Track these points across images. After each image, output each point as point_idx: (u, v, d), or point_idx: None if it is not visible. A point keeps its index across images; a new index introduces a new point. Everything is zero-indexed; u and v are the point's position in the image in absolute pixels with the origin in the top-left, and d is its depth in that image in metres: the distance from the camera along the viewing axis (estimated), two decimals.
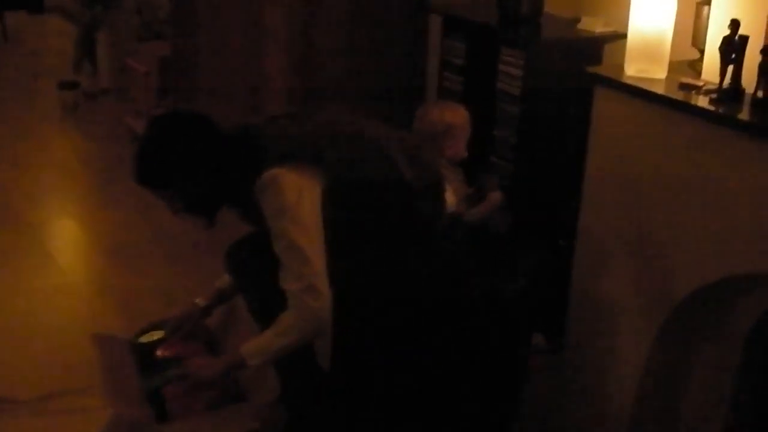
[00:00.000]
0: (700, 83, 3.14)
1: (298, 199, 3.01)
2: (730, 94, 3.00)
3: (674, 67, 3.33)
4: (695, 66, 3.34)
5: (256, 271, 3.31)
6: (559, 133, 4.00)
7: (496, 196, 3.84)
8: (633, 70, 3.27)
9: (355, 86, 5.16)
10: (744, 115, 2.91)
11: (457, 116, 3.74)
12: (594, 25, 4.05)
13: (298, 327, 3.01)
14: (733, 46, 2.96)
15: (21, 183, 6.22)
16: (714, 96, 3.03)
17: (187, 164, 3.10)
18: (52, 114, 7.79)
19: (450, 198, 3.48)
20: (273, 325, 3.03)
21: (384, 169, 3.19)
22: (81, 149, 7.06)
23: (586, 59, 3.86)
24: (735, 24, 2.95)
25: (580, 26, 4.10)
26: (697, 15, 3.40)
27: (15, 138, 7.17)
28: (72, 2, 8.98)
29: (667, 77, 3.25)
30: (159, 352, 3.48)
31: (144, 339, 3.60)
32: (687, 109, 3.02)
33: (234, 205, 3.26)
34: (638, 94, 3.17)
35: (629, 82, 3.23)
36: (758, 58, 2.89)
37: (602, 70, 3.42)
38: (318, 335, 3.08)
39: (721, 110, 2.94)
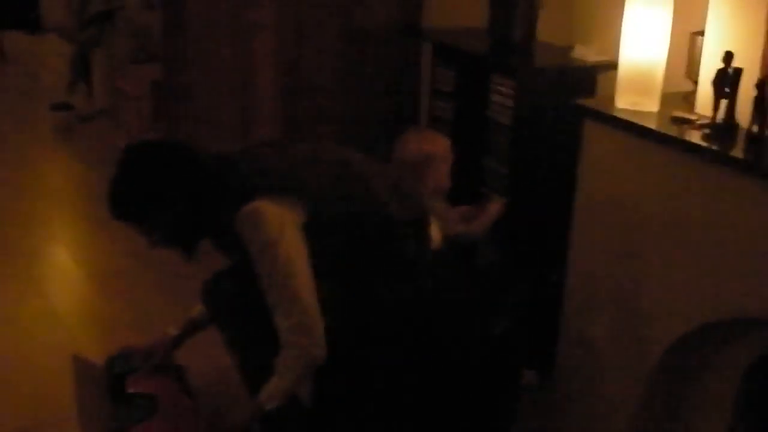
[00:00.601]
0: (694, 117, 3.04)
1: (280, 231, 2.94)
2: (723, 130, 2.90)
3: (668, 99, 3.23)
4: (689, 98, 3.23)
5: (234, 308, 3.23)
6: (552, 164, 3.90)
7: (495, 207, 3.76)
8: (624, 102, 3.18)
9: (345, 113, 5.09)
10: (738, 151, 2.81)
11: (436, 145, 3.66)
12: (587, 53, 3.95)
13: (293, 366, 2.97)
14: (726, 79, 2.86)
15: (10, 206, 6.13)
16: (707, 131, 2.92)
17: (160, 197, 3.03)
18: (45, 136, 7.72)
19: (435, 233, 3.39)
20: (277, 369, 2.97)
21: (367, 203, 3.12)
22: (73, 173, 6.98)
23: (579, 88, 3.78)
24: (728, 56, 2.85)
25: (573, 55, 4.00)
26: (691, 45, 3.30)
27: (6, 160, 7.08)
28: (69, 22, 8.91)
29: (659, 110, 3.16)
30: (130, 387, 3.39)
31: (115, 368, 3.51)
32: (678, 144, 2.92)
33: (212, 237, 3.18)
34: (628, 128, 3.08)
35: (620, 115, 3.13)
36: (753, 91, 2.79)
37: (592, 102, 3.33)
38: (314, 369, 2.99)
39: (714, 146, 2.84)
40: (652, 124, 3.04)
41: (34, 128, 7.90)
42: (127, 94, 6.93)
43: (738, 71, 2.85)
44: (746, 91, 2.84)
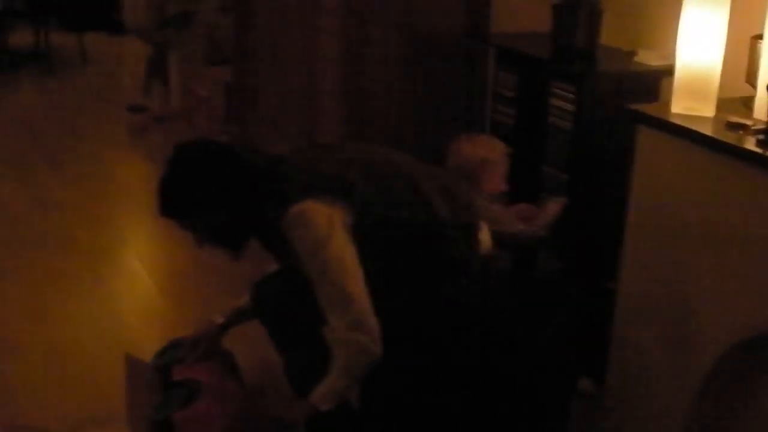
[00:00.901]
0: (750, 122, 2.96)
1: (330, 232, 2.93)
2: None
3: (727, 104, 3.15)
4: (749, 104, 3.15)
5: (281, 310, 3.23)
6: (612, 171, 3.82)
7: (555, 206, 3.72)
8: (679, 107, 3.11)
9: (409, 118, 5.08)
10: None
11: (491, 150, 3.65)
12: (650, 58, 3.88)
13: (350, 365, 2.95)
14: None
15: (81, 205, 6.21)
16: (761, 137, 2.84)
17: (207, 196, 3.06)
18: (119, 136, 7.82)
19: (485, 238, 3.35)
20: (333, 368, 2.96)
21: (415, 205, 3.10)
22: (143, 173, 7.02)
23: (641, 94, 3.71)
24: None
25: (636, 59, 3.93)
26: (752, 49, 3.21)
27: (80, 160, 7.18)
28: (147, 24, 9.02)
29: (716, 115, 3.07)
30: (176, 375, 3.40)
31: (164, 360, 3.54)
32: (729, 150, 2.84)
33: (260, 237, 3.18)
34: (680, 133, 3.00)
35: (674, 120, 3.06)
36: None
37: (645, 107, 3.25)
38: (370, 367, 2.96)
39: (765, 152, 2.76)
40: (705, 130, 2.97)
41: (110, 128, 7.99)
42: (200, 96, 6.97)
43: None
44: None
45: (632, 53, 3.98)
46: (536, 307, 3.49)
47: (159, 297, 4.95)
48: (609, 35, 4.13)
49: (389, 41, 4.97)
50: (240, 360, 3.72)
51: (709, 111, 3.08)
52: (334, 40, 5.02)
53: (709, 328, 3.06)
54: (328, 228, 2.92)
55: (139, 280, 5.17)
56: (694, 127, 2.99)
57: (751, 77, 3.22)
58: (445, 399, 3.21)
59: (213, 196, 3.05)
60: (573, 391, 3.80)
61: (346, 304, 2.91)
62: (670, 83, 3.68)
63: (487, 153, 3.65)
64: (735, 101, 3.23)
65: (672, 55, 3.69)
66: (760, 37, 3.11)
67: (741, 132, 2.93)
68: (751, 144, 2.83)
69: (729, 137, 2.90)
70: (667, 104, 3.15)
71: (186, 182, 3.08)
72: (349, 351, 2.93)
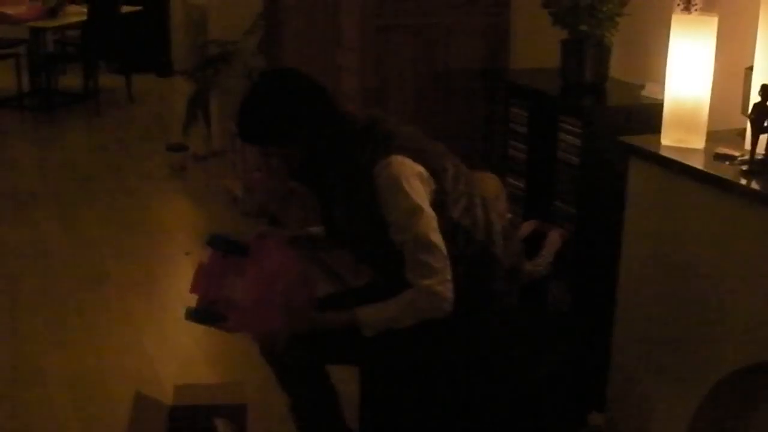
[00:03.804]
0: (738, 153, 2.97)
1: (424, 192, 2.98)
2: (763, 166, 2.83)
3: (721, 136, 3.17)
4: (744, 135, 3.16)
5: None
6: (620, 205, 3.83)
7: (555, 236, 3.72)
8: (669, 139, 3.13)
9: None
10: None
11: (487, 186, 3.64)
12: (658, 91, 3.88)
13: (427, 313, 2.97)
14: (764, 114, 2.80)
15: (114, 240, 6.36)
16: (745, 168, 2.86)
17: (289, 120, 3.02)
18: (159, 175, 7.94)
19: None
20: (397, 304, 2.99)
21: (479, 227, 3.14)
22: (179, 211, 7.17)
23: (648, 127, 3.70)
24: (766, 90, 2.79)
25: (643, 93, 3.94)
26: (746, 81, 3.22)
27: (118, 197, 7.34)
28: (191, 64, 9.15)
29: (705, 147, 3.09)
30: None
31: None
32: (715, 182, 2.86)
33: (339, 175, 3.13)
34: (669, 165, 3.03)
35: (664, 152, 3.08)
36: None
37: (637, 140, 3.27)
38: (432, 317, 2.99)
39: (748, 183, 2.77)
40: (694, 161, 2.99)
41: (150, 166, 8.14)
42: (235, 135, 7.06)
43: None
44: None
45: (641, 87, 3.99)
46: (538, 339, 3.49)
47: (185, 335, 4.99)
48: (619, 69, 4.15)
49: (407, 78, 5.01)
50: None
51: (698, 143, 3.10)
52: (353, 77, 5.08)
53: (703, 358, 3.06)
54: (424, 191, 2.98)
55: (167, 317, 5.23)
56: (682, 159, 3.01)
57: (746, 109, 3.22)
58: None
59: (294, 121, 3.01)
60: (580, 425, 3.80)
61: (438, 263, 2.94)
62: None
63: (482, 191, 3.65)
64: (731, 133, 3.25)
65: None
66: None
67: (728, 163, 2.94)
68: (733, 174, 2.84)
69: (715, 169, 2.92)
70: (658, 137, 3.17)
71: (267, 105, 3.02)
72: (433, 303, 2.96)
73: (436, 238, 2.96)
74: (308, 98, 3.05)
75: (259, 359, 3.40)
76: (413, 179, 2.96)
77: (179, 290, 5.62)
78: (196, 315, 3.20)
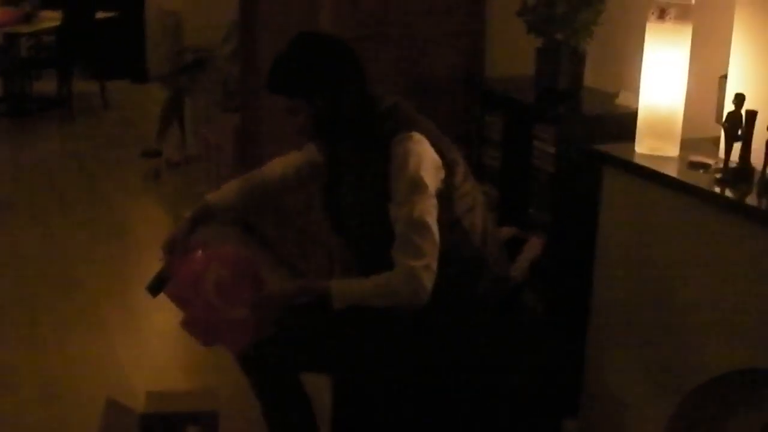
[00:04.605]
0: (711, 162, 2.98)
1: (434, 177, 2.98)
2: (737, 174, 2.83)
3: (696, 144, 3.18)
4: (718, 143, 3.17)
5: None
6: (594, 213, 3.84)
7: (534, 243, 3.72)
8: (644, 147, 3.14)
9: None
10: (751, 198, 2.75)
11: None
12: (631, 100, 3.89)
13: (402, 297, 2.94)
14: (737, 122, 2.81)
15: (87, 247, 6.32)
16: (719, 176, 2.86)
17: (323, 75, 3.06)
18: (133, 181, 7.90)
19: None
20: (374, 281, 2.97)
21: (476, 233, 3.15)
22: (152, 218, 7.14)
23: (622, 135, 3.71)
24: (739, 98, 2.81)
25: (618, 101, 3.95)
26: (720, 89, 3.23)
27: (91, 204, 7.30)
28: (167, 71, 9.14)
29: (680, 155, 3.10)
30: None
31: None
32: (688, 189, 2.87)
33: (356, 143, 3.16)
34: (642, 173, 3.03)
35: (638, 160, 3.09)
36: (766, 133, 2.74)
37: (611, 148, 3.28)
38: (403, 307, 2.97)
39: (721, 191, 2.78)
40: (668, 169, 3.00)
41: (124, 173, 8.10)
42: (211, 142, 7.05)
43: (752, 114, 2.80)
44: (763, 133, 2.78)
45: (615, 95, 4.00)
46: (512, 345, 3.47)
47: (158, 342, 4.99)
48: (593, 77, 4.16)
49: (384, 87, 4.99)
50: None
51: (672, 151, 3.11)
52: None
53: (678, 364, 3.07)
54: (434, 174, 2.99)
55: (140, 324, 5.21)
56: (656, 167, 3.01)
57: (720, 117, 3.23)
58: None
59: (328, 76, 3.05)
60: (551, 430, 3.80)
61: (427, 246, 2.92)
62: None
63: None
64: (706, 142, 3.26)
65: None
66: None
67: (702, 171, 2.95)
68: (706, 182, 2.85)
69: (689, 177, 2.92)
70: (632, 145, 3.18)
71: (303, 59, 3.07)
72: (411, 287, 2.92)
73: (432, 222, 2.95)
74: (342, 58, 3.10)
75: (232, 366, 3.38)
76: (428, 161, 2.98)
77: (153, 300, 5.60)
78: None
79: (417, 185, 2.94)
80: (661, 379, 3.14)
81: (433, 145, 3.03)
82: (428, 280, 2.92)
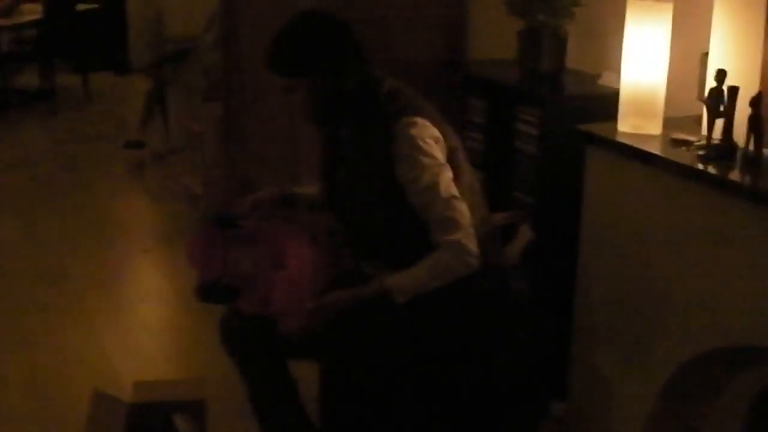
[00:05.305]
0: (695, 139, 2.97)
1: (443, 156, 3.04)
2: (720, 151, 2.82)
3: (678, 122, 3.17)
4: (701, 121, 3.16)
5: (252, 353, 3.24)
6: (579, 193, 3.83)
7: (526, 233, 3.71)
8: (626, 126, 3.13)
9: None
10: (734, 174, 2.74)
11: None
12: (614, 80, 3.88)
13: (457, 270, 2.98)
14: (720, 98, 2.80)
15: (72, 239, 6.29)
16: (702, 153, 2.85)
17: (324, 54, 3.06)
18: (117, 173, 7.88)
19: None
20: (424, 266, 2.98)
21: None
22: (137, 209, 7.12)
23: (605, 115, 3.70)
24: (720, 74, 2.80)
25: (600, 82, 3.94)
26: (702, 66, 3.22)
27: (76, 196, 7.26)
28: (149, 61, 9.11)
29: (662, 133, 3.09)
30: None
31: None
32: (672, 167, 2.86)
33: (357, 125, 3.17)
34: (625, 151, 3.02)
35: (621, 139, 3.08)
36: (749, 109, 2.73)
37: (593, 127, 3.27)
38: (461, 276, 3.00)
39: (709, 169, 2.77)
40: (651, 147, 2.99)
41: (108, 165, 8.07)
42: (194, 132, 7.03)
43: (734, 89, 2.79)
44: (745, 109, 2.77)
45: (598, 76, 3.99)
46: (499, 329, 3.47)
47: (144, 332, 4.97)
48: (575, 59, 4.14)
49: None
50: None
51: (655, 129, 3.10)
52: None
53: (664, 343, 3.06)
54: (443, 156, 3.03)
55: (126, 315, 5.20)
56: (639, 145, 3.01)
57: (702, 94, 3.22)
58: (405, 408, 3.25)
59: (328, 59, 3.05)
60: (539, 413, 3.79)
61: (463, 219, 2.98)
62: None
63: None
64: (688, 119, 3.24)
65: None
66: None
67: (684, 148, 2.94)
68: (690, 159, 2.84)
69: (672, 154, 2.92)
70: (615, 124, 3.17)
71: (303, 38, 3.07)
72: (460, 259, 2.97)
73: (456, 192, 3.00)
74: (344, 37, 3.11)
75: (218, 354, 3.36)
76: (435, 143, 3.02)
77: (138, 287, 5.62)
78: (207, 293, 3.19)
79: (437, 168, 2.99)
80: (647, 358, 3.13)
81: (440, 125, 3.09)
82: (473, 245, 2.98)
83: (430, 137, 3.01)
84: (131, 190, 7.56)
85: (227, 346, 3.29)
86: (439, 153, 3.02)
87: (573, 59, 4.14)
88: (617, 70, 3.83)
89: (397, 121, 3.01)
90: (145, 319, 5.08)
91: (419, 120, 3.02)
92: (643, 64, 3.08)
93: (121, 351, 4.72)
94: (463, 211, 2.99)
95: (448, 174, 3.01)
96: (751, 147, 2.74)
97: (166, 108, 8.37)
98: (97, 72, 10.86)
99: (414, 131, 3.00)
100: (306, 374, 3.40)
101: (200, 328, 4.67)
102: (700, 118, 3.17)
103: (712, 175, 2.77)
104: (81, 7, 10.30)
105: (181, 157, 7.91)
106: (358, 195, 3.17)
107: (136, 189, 7.59)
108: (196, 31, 7.56)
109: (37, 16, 9.98)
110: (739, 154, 2.80)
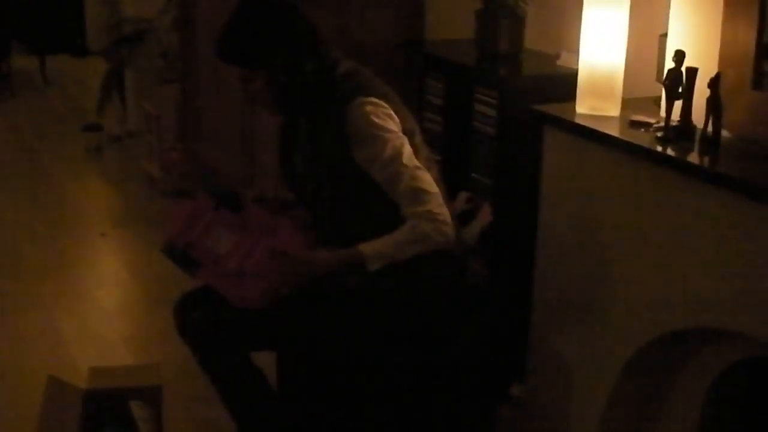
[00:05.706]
0: (653, 120, 2.95)
1: (400, 133, 3.01)
2: (678, 133, 2.81)
3: (637, 104, 3.15)
4: (659, 103, 3.14)
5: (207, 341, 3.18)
6: (537, 175, 3.80)
7: (487, 209, 3.69)
8: (584, 107, 3.11)
9: None
10: (693, 156, 2.73)
11: None
12: (573, 61, 3.85)
13: (432, 238, 2.93)
14: (678, 80, 2.78)
15: (29, 225, 6.22)
16: (660, 134, 2.84)
17: (279, 41, 3.01)
18: (75, 156, 7.81)
19: None
20: (400, 234, 2.94)
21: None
22: (95, 193, 7.06)
23: (563, 96, 3.68)
24: (679, 55, 2.78)
25: (559, 62, 3.92)
26: (660, 47, 3.20)
27: (33, 180, 7.20)
28: (106, 43, 9.02)
29: (621, 115, 3.07)
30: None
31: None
32: (630, 148, 2.84)
33: (311, 109, 3.15)
34: (583, 133, 3.00)
35: (579, 120, 3.06)
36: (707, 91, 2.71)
37: (550, 108, 3.24)
38: (436, 246, 2.96)
39: (667, 150, 2.75)
40: (609, 129, 2.96)
41: (66, 149, 7.99)
42: (151, 114, 6.97)
43: (692, 71, 2.77)
44: (704, 90, 2.76)
45: (556, 56, 3.97)
46: (457, 312, 3.45)
47: (100, 318, 4.92)
48: (533, 39, 4.12)
49: None
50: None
51: (614, 110, 3.08)
52: None
53: (623, 326, 3.05)
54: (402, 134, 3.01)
55: (83, 300, 5.14)
56: (597, 127, 2.98)
57: (661, 76, 3.20)
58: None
59: (281, 47, 3.00)
60: (499, 396, 3.79)
61: (426, 193, 2.95)
62: None
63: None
64: (647, 101, 3.23)
65: None
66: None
67: (643, 130, 2.93)
68: (648, 141, 2.83)
69: (630, 136, 2.90)
70: (573, 105, 3.15)
71: (254, 26, 3.01)
72: (437, 227, 2.93)
73: (417, 163, 2.98)
74: (294, 20, 3.05)
75: (175, 340, 3.32)
76: (389, 119, 3.00)
77: (95, 272, 5.57)
78: (172, 252, 3.18)
79: (391, 137, 2.97)
80: (606, 341, 3.12)
81: (396, 105, 3.06)
82: (447, 214, 2.95)
83: (384, 114, 2.99)
84: (89, 173, 7.49)
85: (184, 336, 3.25)
86: (395, 127, 3.00)
87: (531, 39, 4.13)
88: (576, 51, 3.82)
89: (351, 101, 2.98)
90: (102, 305, 5.03)
91: (373, 99, 2.99)
92: (601, 45, 3.05)
93: (78, 337, 4.68)
94: (429, 180, 2.97)
95: (408, 146, 2.99)
96: (710, 129, 2.73)
97: (124, 90, 8.31)
98: (53, 54, 10.76)
99: (367, 108, 2.97)
100: (263, 363, 3.36)
101: (157, 313, 4.56)
102: (659, 99, 3.15)
103: (670, 156, 2.75)
104: None
105: (138, 139, 7.85)
106: (316, 177, 3.14)
107: (93, 172, 7.52)
108: (153, 12, 7.47)
109: None
110: (697, 136, 2.78)
